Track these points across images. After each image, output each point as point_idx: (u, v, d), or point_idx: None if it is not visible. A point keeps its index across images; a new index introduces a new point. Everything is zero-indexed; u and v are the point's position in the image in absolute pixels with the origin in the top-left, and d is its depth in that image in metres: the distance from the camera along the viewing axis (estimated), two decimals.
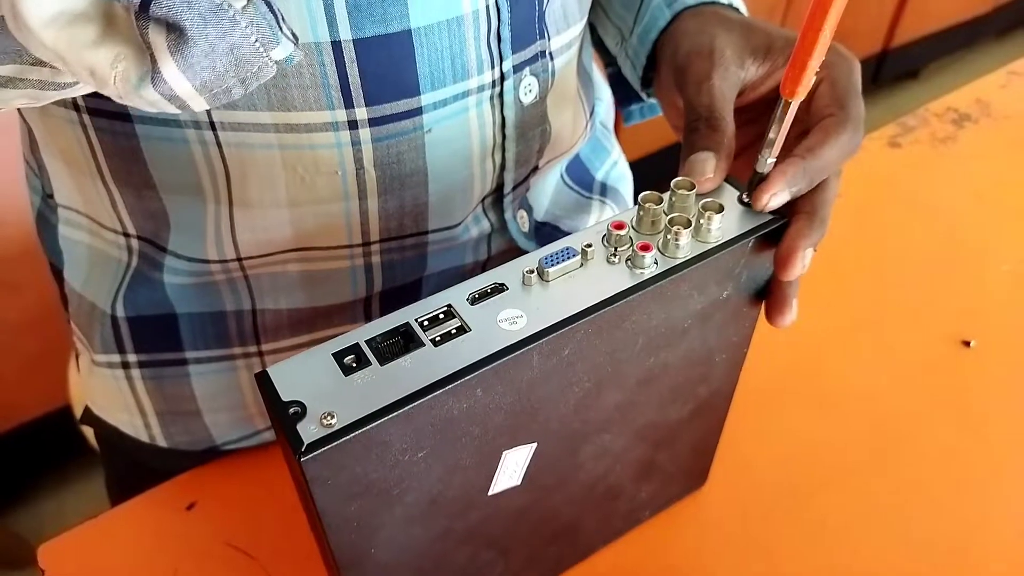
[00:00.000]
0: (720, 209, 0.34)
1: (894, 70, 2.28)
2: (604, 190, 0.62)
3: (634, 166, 0.69)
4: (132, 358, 0.50)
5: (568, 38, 0.48)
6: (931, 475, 0.54)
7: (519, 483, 0.38)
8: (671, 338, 0.38)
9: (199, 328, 0.49)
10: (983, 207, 0.74)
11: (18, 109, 0.44)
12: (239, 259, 0.46)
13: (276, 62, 0.30)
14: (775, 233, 0.36)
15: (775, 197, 0.36)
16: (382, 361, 0.31)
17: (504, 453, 0.36)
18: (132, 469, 0.58)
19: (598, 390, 0.37)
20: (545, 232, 0.55)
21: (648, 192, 0.35)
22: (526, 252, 0.52)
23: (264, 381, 0.30)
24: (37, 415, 1.27)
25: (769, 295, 0.40)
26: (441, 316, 0.33)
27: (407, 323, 0.32)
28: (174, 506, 0.52)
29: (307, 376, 0.30)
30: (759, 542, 0.51)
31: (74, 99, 0.41)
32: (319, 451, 0.28)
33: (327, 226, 0.44)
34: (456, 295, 0.33)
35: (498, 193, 0.49)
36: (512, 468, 0.37)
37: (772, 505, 0.52)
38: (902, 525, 0.51)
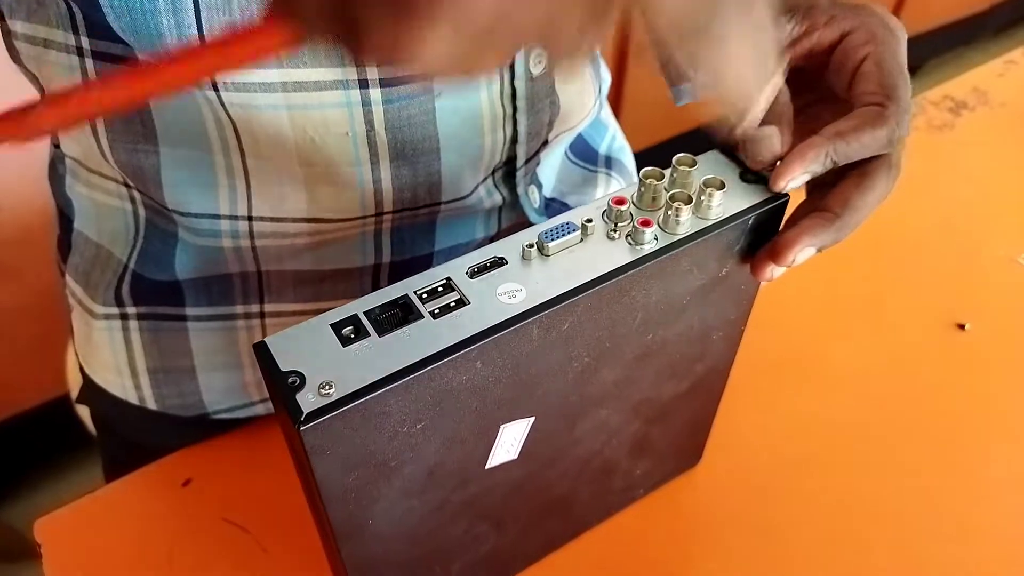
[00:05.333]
0: (721, 186, 0.34)
1: None
2: (609, 163, 0.62)
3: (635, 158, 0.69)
4: (132, 310, 0.50)
5: None
6: (924, 455, 0.54)
7: (516, 457, 0.38)
8: (669, 314, 0.38)
9: (202, 287, 0.49)
10: (979, 193, 0.74)
11: (20, 60, 0.44)
12: (250, 217, 0.45)
13: None
14: (776, 211, 0.36)
15: (794, 180, 0.35)
16: (380, 332, 0.31)
17: (502, 427, 0.36)
18: (128, 449, 0.58)
19: (596, 365, 0.37)
20: (554, 208, 0.56)
21: (650, 168, 0.35)
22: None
23: (262, 351, 0.30)
24: (34, 404, 1.26)
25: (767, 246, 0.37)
26: (440, 289, 0.32)
27: (406, 295, 0.32)
28: (170, 482, 0.52)
29: (305, 346, 0.30)
30: (752, 520, 0.51)
31: (78, 44, 0.40)
32: (318, 420, 0.28)
33: (341, 196, 0.44)
34: (456, 268, 0.33)
35: (510, 166, 0.49)
36: (509, 442, 0.37)
37: (765, 484, 0.53)
38: (894, 503, 0.52)
